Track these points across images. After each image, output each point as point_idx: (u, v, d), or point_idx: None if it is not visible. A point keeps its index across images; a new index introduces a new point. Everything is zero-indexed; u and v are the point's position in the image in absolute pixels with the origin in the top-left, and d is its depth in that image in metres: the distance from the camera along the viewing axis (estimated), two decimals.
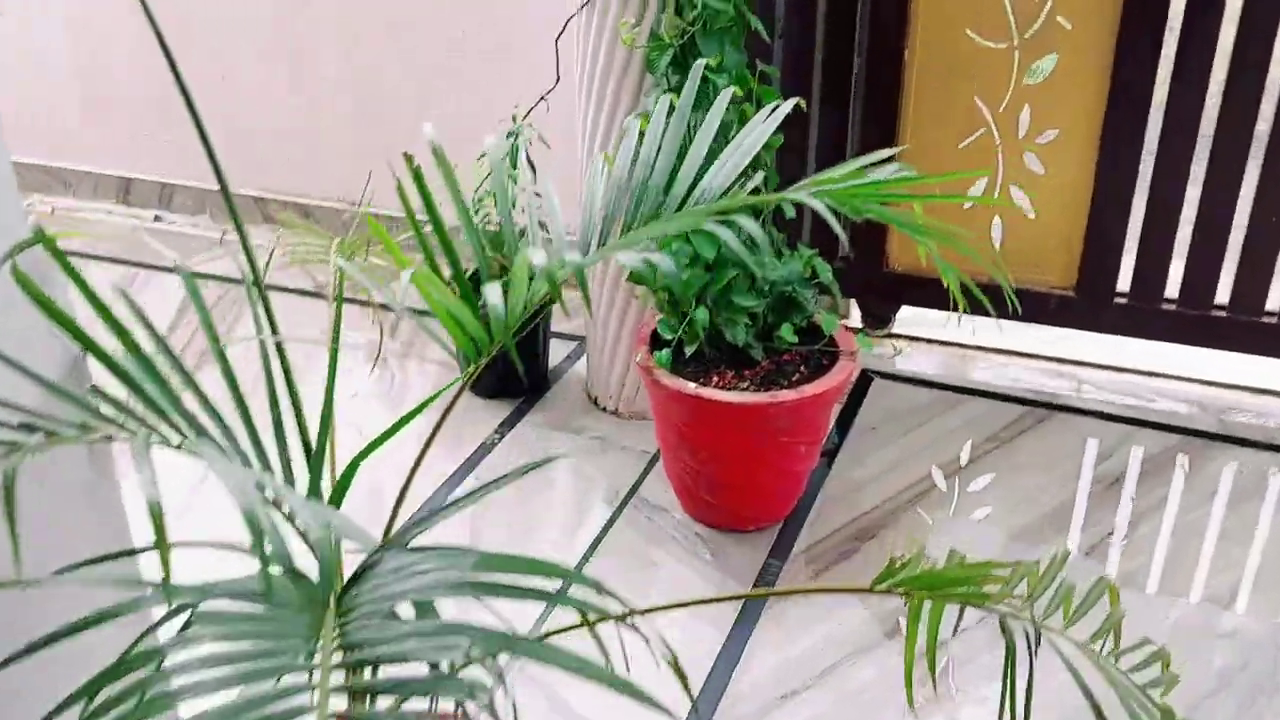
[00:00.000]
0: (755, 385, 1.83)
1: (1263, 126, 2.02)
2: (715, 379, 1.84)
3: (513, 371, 2.25)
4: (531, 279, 0.80)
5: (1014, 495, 1.97)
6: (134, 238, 3.16)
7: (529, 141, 2.12)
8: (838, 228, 0.80)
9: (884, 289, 2.42)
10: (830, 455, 2.09)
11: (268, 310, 0.83)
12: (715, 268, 1.80)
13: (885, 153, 0.92)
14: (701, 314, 1.78)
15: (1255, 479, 2.00)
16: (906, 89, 2.22)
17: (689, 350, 1.83)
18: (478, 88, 2.68)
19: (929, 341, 2.46)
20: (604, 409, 2.25)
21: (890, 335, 2.49)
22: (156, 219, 3.27)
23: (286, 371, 0.80)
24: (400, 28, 2.71)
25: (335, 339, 0.87)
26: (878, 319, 2.49)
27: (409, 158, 0.85)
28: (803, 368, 1.86)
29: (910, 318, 2.50)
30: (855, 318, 2.52)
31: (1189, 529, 1.89)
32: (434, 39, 2.69)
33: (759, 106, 1.89)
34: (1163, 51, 2.03)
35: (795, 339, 1.83)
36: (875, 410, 2.23)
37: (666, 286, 1.82)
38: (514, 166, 2.11)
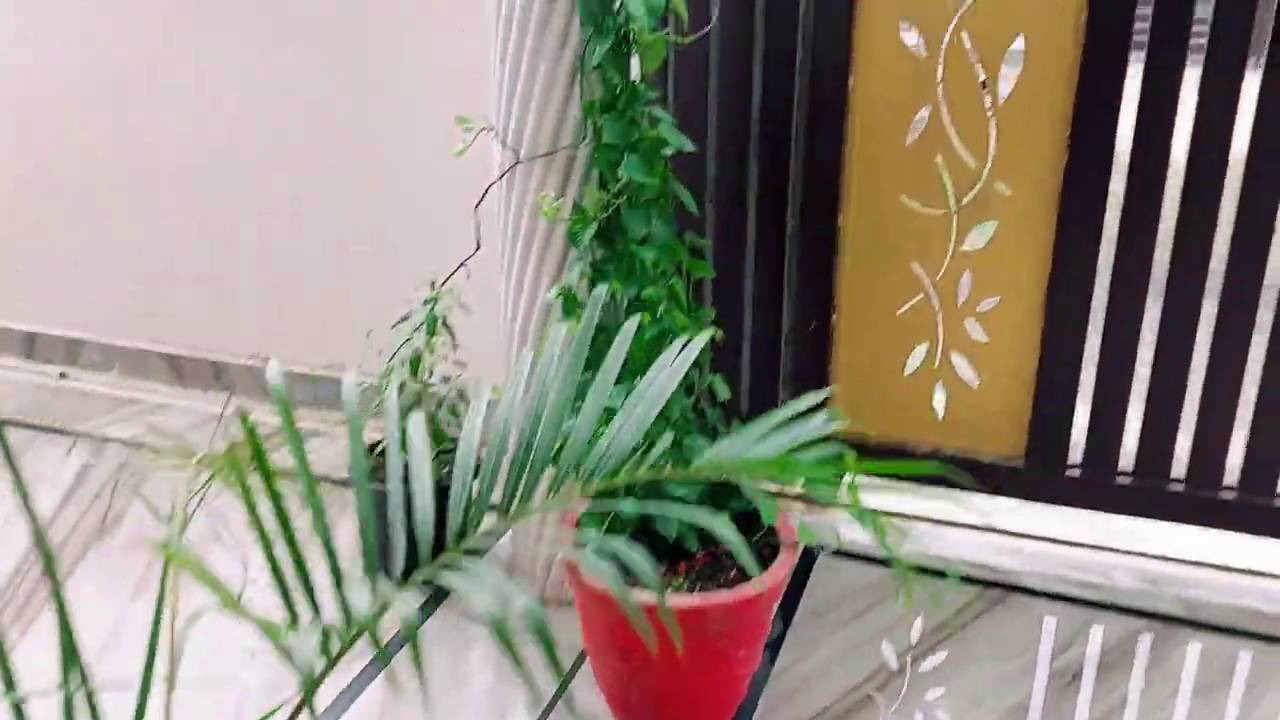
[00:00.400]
0: (690, 581, 1.68)
1: (1213, 283, 1.96)
2: None
3: None
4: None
5: (971, 691, 1.82)
6: (37, 396, 2.97)
7: (448, 308, 2.00)
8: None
9: None
10: (774, 647, 1.93)
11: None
12: (643, 450, 1.67)
13: (815, 397, 0.80)
14: (630, 506, 1.63)
15: (1222, 667, 1.87)
16: (842, 254, 2.15)
17: None
18: (397, 250, 2.58)
19: (876, 513, 2.33)
20: None
21: (833, 505, 2.36)
22: (62, 375, 3.08)
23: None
24: (320, 181, 2.61)
25: (152, 647, 0.71)
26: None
27: (245, 420, 0.71)
28: None
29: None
30: (798, 485, 2.40)
31: None
32: (354, 195, 2.59)
33: (688, 281, 1.79)
34: (1106, 217, 1.98)
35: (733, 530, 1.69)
36: (820, 593, 2.08)
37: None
38: (432, 335, 1.98)
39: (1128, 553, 2.17)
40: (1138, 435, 2.08)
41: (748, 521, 1.75)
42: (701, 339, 0.86)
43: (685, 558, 1.71)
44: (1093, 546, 2.19)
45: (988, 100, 1.98)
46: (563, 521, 1.95)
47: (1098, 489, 2.12)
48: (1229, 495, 2.05)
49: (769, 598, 1.64)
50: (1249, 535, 2.06)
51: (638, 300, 1.68)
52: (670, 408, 1.71)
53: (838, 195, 2.10)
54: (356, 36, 2.45)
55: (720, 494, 1.72)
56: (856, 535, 2.26)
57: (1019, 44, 1.95)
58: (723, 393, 1.73)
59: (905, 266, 2.12)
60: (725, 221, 2.14)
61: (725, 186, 2.12)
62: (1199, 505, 2.06)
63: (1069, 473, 2.13)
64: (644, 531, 1.70)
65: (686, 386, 1.80)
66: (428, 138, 2.43)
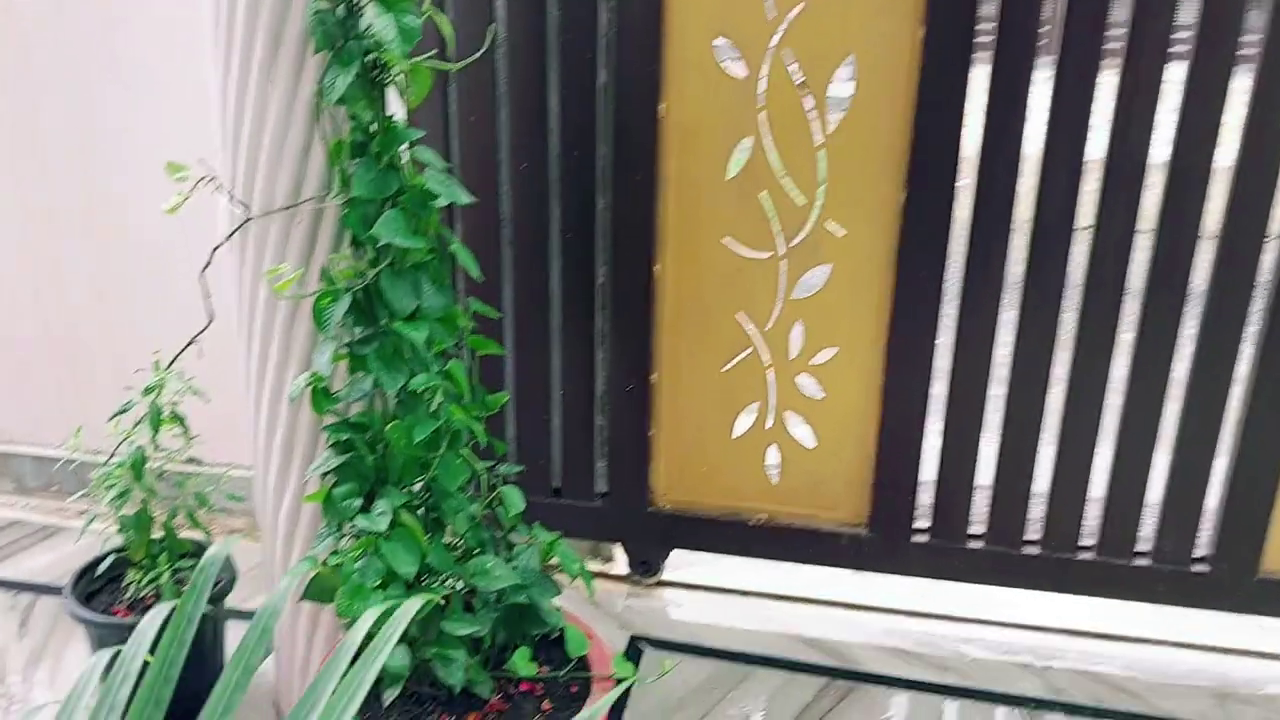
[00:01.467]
0: None
1: (1065, 335, 1.77)
2: None
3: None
4: None
5: None
6: None
7: (179, 396, 1.62)
8: None
9: (650, 531, 2.02)
10: None
11: None
12: (417, 586, 1.34)
13: None
14: (398, 658, 1.31)
15: None
16: (659, 305, 1.87)
17: (388, 696, 1.35)
18: (130, 319, 2.17)
19: (708, 590, 2.07)
20: None
21: (661, 584, 2.09)
22: None
23: None
24: (42, 240, 2.17)
25: None
26: (645, 565, 2.09)
27: None
28: (546, 701, 1.41)
29: (684, 560, 2.11)
30: (621, 562, 2.12)
31: None
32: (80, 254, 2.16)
33: (472, 359, 1.46)
34: (949, 259, 1.76)
35: (533, 669, 1.39)
36: (648, 698, 1.80)
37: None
38: (155, 431, 1.60)
39: (989, 622, 1.97)
40: (989, 497, 1.88)
41: (554, 648, 1.45)
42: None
43: (476, 707, 1.39)
44: (949, 618, 1.99)
45: (816, 128, 1.73)
46: (330, 650, 1.60)
47: (947, 556, 1.91)
48: (1086, 556, 1.87)
49: None
50: (1106, 599, 1.89)
51: (406, 391, 1.35)
52: (458, 521, 1.39)
53: (652, 240, 1.81)
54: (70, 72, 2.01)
55: (517, 622, 1.41)
56: (688, 617, 2.00)
57: (849, 64, 1.70)
58: (515, 505, 1.42)
59: (730, 317, 1.86)
60: (525, 276, 1.84)
61: (523, 236, 1.81)
62: (1054, 569, 1.88)
63: (915, 538, 1.92)
64: (426, 677, 1.38)
65: (474, 484, 1.48)
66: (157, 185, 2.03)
